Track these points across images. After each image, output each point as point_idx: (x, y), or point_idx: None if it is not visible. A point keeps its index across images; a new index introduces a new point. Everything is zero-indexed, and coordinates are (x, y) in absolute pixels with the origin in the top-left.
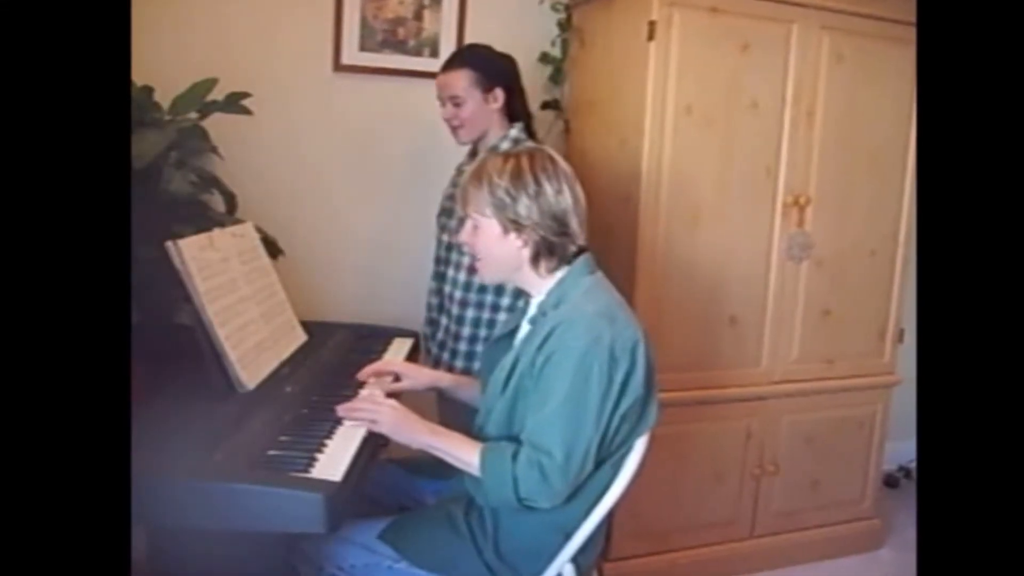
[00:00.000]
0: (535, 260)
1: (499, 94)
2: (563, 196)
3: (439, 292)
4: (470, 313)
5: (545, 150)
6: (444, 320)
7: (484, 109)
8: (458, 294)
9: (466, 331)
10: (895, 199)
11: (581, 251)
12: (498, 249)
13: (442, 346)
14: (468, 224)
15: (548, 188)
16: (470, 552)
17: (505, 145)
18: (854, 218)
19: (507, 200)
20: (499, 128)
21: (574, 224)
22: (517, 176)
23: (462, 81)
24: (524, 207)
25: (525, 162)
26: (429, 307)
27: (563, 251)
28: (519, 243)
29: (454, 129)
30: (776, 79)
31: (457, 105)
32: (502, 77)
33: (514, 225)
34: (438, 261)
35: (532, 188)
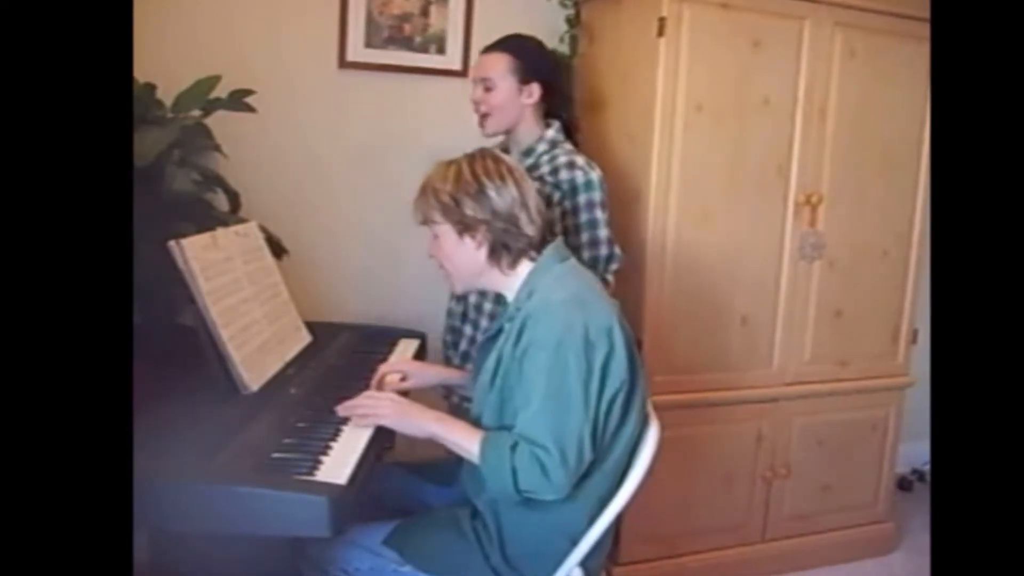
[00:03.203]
0: (494, 257)
1: (535, 89)
2: (506, 192)
3: (463, 299)
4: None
5: (489, 150)
6: (468, 330)
7: (516, 101)
8: (488, 306)
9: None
10: (908, 198)
11: (546, 242)
12: (458, 255)
13: (465, 357)
14: (429, 235)
15: (489, 186)
16: (477, 557)
17: (542, 147)
18: (867, 217)
19: (451, 204)
20: (533, 127)
21: (523, 219)
22: (457, 179)
23: (499, 65)
24: (470, 207)
25: (465, 165)
26: (450, 313)
27: (518, 244)
28: (474, 244)
29: (481, 117)
30: (788, 76)
31: (488, 90)
32: (543, 73)
33: (464, 227)
34: None
35: (473, 188)
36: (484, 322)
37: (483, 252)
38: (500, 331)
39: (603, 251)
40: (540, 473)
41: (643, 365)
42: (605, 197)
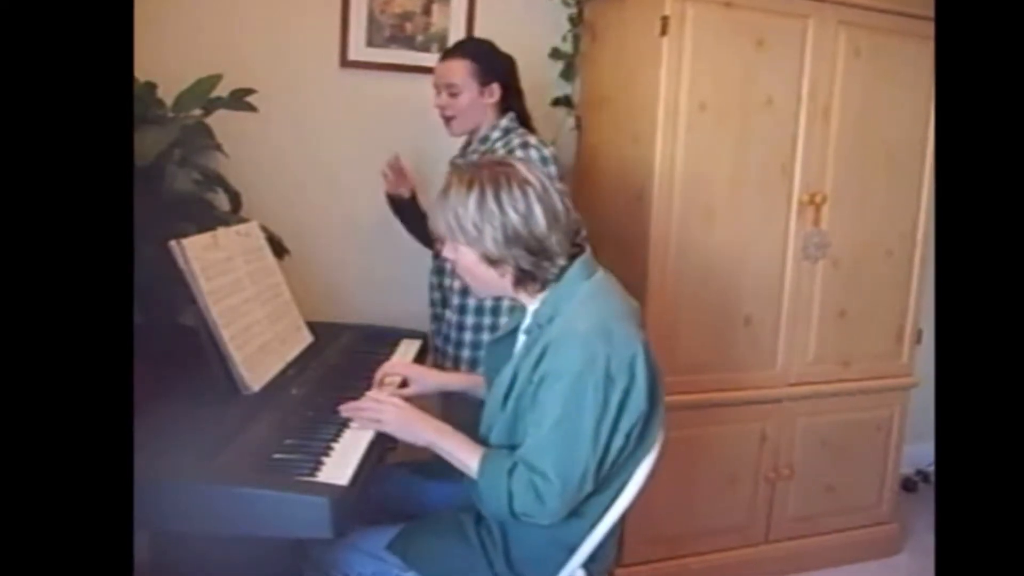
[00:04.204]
0: (518, 285)
1: (495, 89)
2: (533, 217)
3: (440, 286)
4: (472, 302)
5: (510, 165)
6: (448, 314)
7: (479, 102)
8: (459, 284)
9: (470, 320)
10: (913, 197)
11: (575, 255)
12: (480, 274)
13: (447, 339)
14: (448, 242)
15: (513, 214)
16: (481, 563)
17: (496, 135)
18: (871, 217)
19: (474, 233)
20: (494, 122)
21: (553, 242)
22: (480, 206)
23: (461, 71)
24: (491, 241)
25: (488, 187)
26: (432, 303)
27: (545, 274)
28: (497, 274)
29: (447, 120)
30: (792, 75)
31: (453, 95)
32: (501, 74)
33: (487, 260)
34: (437, 255)
35: (497, 219)
36: (457, 299)
37: (507, 281)
38: (513, 331)
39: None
40: (535, 499)
41: (663, 395)
42: (560, 172)
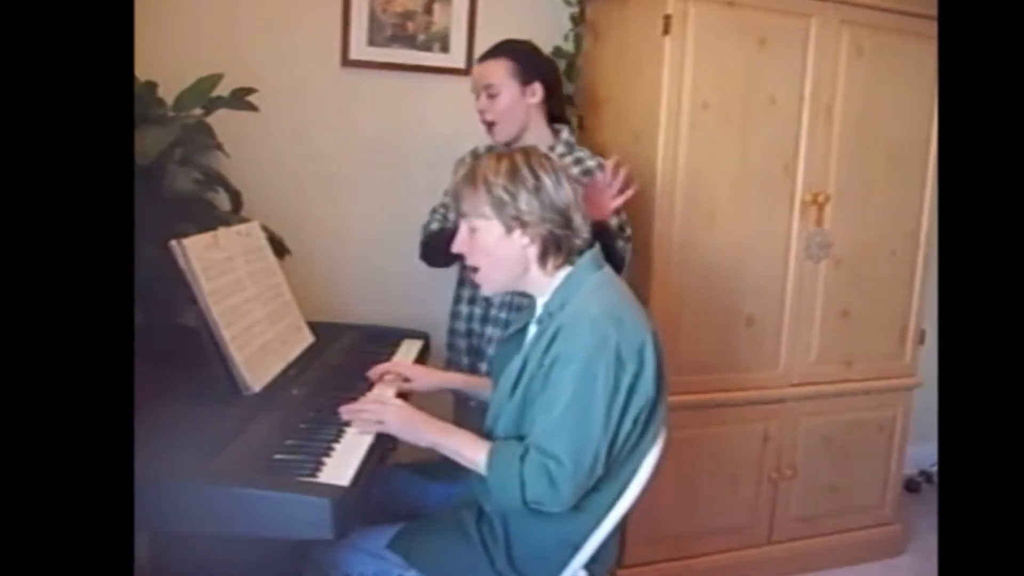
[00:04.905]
0: (543, 257)
1: (537, 89)
2: (563, 189)
3: (486, 300)
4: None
5: (538, 150)
6: (489, 329)
7: (521, 103)
8: (499, 299)
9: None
10: (916, 197)
11: (587, 247)
12: (501, 251)
13: (478, 352)
14: (463, 229)
15: (547, 181)
16: (482, 561)
17: (561, 149)
18: (874, 216)
19: (506, 198)
20: (541, 130)
21: (577, 218)
22: (513, 173)
23: (500, 70)
24: (525, 202)
25: (520, 158)
26: (470, 318)
27: (570, 245)
28: (525, 240)
29: (488, 125)
30: (794, 74)
31: (492, 96)
32: (542, 73)
33: (518, 222)
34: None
35: (531, 183)
36: (503, 314)
37: (533, 250)
38: (522, 330)
39: (628, 232)
40: (548, 484)
41: (667, 387)
42: None
